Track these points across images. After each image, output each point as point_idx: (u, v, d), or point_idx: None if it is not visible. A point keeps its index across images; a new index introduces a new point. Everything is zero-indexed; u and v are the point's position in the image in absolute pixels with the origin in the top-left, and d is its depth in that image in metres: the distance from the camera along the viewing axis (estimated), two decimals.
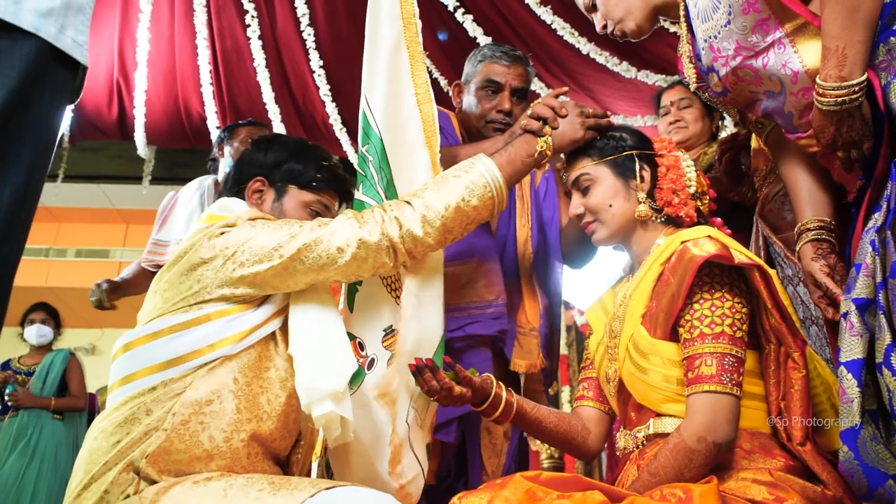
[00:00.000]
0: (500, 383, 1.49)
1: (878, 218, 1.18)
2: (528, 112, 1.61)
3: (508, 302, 1.84)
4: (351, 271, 1.35)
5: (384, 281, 1.53)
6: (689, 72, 1.53)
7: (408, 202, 1.39)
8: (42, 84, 0.96)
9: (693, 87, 1.54)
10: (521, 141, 1.54)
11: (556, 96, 1.62)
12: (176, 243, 2.55)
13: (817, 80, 1.24)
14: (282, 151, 1.53)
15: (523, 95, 1.93)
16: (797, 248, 1.49)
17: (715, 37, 1.41)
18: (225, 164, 2.78)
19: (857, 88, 1.21)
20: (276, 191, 1.51)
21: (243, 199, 1.52)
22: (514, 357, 1.82)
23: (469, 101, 1.97)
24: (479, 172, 1.43)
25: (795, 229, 1.51)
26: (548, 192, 1.97)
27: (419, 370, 1.37)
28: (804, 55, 1.31)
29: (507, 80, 1.91)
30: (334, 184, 1.54)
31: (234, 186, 1.53)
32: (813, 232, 1.46)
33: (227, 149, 2.78)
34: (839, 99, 1.21)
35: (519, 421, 1.50)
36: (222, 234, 1.34)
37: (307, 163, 1.52)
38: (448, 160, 1.59)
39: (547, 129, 1.54)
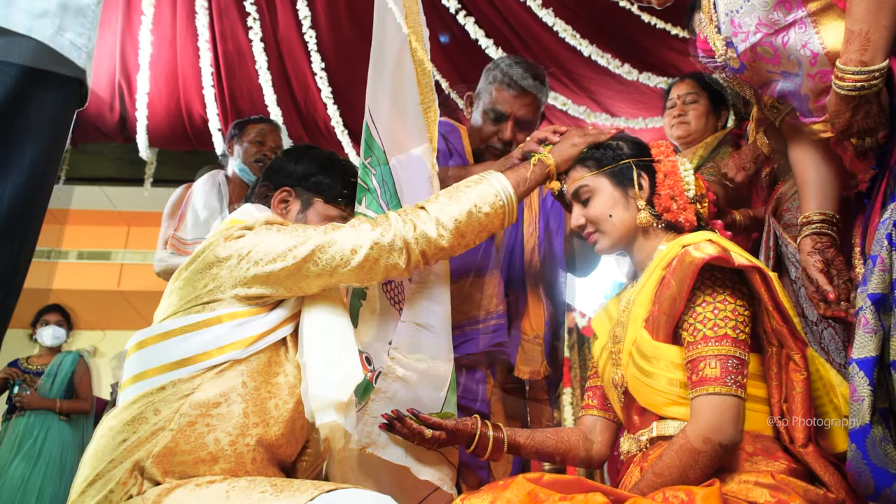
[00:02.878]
0: (486, 422, 1.49)
1: (893, 209, 1.16)
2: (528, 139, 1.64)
3: (514, 310, 1.82)
4: (363, 273, 1.35)
5: (387, 294, 1.53)
6: (716, 41, 1.51)
7: (421, 207, 1.42)
8: (45, 85, 0.96)
9: (719, 56, 1.51)
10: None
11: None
12: (193, 242, 2.53)
13: (837, 63, 1.22)
14: (312, 164, 1.54)
15: (529, 125, 1.89)
16: (798, 240, 1.48)
17: (737, 11, 1.39)
18: (233, 163, 2.74)
19: (877, 74, 1.18)
20: (301, 202, 1.51)
21: (269, 206, 1.52)
22: (518, 363, 1.81)
23: (476, 117, 1.96)
24: (490, 182, 1.46)
25: (799, 220, 1.50)
26: (556, 201, 1.97)
27: (389, 425, 1.41)
28: (825, 36, 1.29)
29: (512, 110, 1.87)
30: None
31: (262, 193, 1.54)
32: (815, 225, 1.45)
33: (236, 147, 2.74)
34: (858, 84, 1.19)
35: (515, 453, 1.51)
36: (240, 236, 1.35)
37: (335, 177, 1.53)
38: (442, 180, 1.60)
39: (547, 148, 1.58)
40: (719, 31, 1.48)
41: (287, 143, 4.35)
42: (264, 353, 1.32)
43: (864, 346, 1.13)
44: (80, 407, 4.34)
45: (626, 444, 1.40)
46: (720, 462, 1.20)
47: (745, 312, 1.27)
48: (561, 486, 1.10)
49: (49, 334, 4.43)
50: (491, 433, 1.47)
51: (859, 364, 1.13)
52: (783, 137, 1.61)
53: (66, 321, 4.55)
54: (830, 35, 1.28)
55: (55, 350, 4.51)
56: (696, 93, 2.39)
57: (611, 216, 1.45)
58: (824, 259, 1.41)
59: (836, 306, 1.38)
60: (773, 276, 1.28)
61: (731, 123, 2.50)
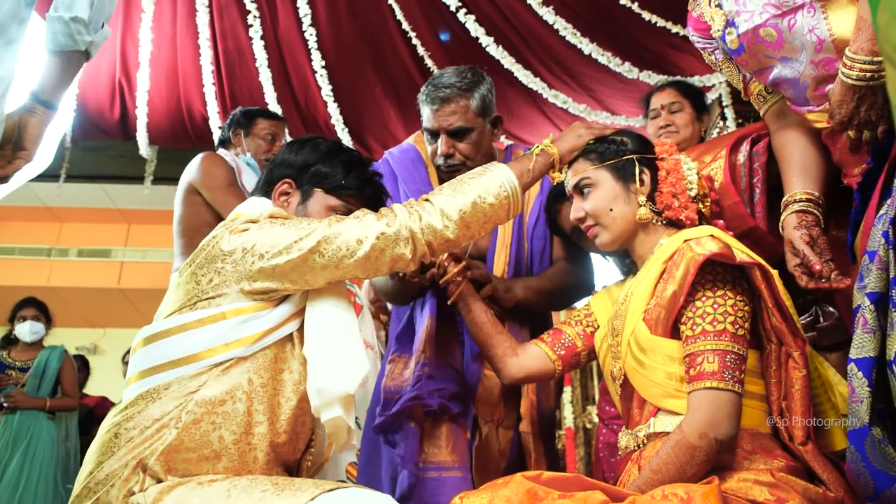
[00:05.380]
0: (461, 263, 1.68)
1: (890, 205, 1.13)
2: None
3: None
4: (369, 264, 1.34)
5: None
6: (714, 17, 1.47)
7: (426, 199, 1.41)
8: None
9: (716, 32, 1.48)
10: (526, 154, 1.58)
11: None
12: None
13: (847, 51, 1.20)
14: (311, 154, 1.51)
15: (465, 132, 1.80)
16: (781, 219, 1.46)
17: None
18: (241, 156, 2.67)
19: None
20: (302, 193, 1.49)
21: (271, 199, 1.50)
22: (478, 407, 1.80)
23: None
24: (493, 174, 1.45)
25: (783, 200, 1.48)
26: (539, 220, 1.92)
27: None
28: (834, 23, 1.26)
29: (438, 125, 1.80)
30: (362, 190, 1.51)
31: (264, 187, 1.52)
32: (800, 203, 1.44)
33: (244, 139, 2.67)
34: (867, 74, 1.17)
35: (460, 307, 1.68)
36: (244, 230, 1.34)
37: (335, 167, 1.49)
38: None
39: (549, 138, 1.59)
40: (720, 7, 1.45)
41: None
42: (270, 350, 1.31)
43: (862, 345, 1.11)
44: (68, 404, 4.37)
45: (624, 439, 1.40)
46: (717, 458, 1.20)
47: (745, 308, 1.27)
48: (560, 484, 1.10)
49: (27, 330, 4.38)
50: (451, 267, 1.66)
51: (858, 364, 1.11)
52: None
53: (44, 315, 4.49)
54: (839, 22, 1.25)
55: (36, 345, 4.47)
56: (680, 101, 2.35)
57: (611, 210, 1.45)
58: (810, 235, 1.40)
59: (819, 281, 1.36)
60: (774, 272, 1.28)
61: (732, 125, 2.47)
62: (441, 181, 1.93)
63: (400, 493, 1.69)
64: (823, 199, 1.46)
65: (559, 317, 2.45)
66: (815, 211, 1.43)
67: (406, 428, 1.74)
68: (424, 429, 1.75)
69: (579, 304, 1.71)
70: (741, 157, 1.74)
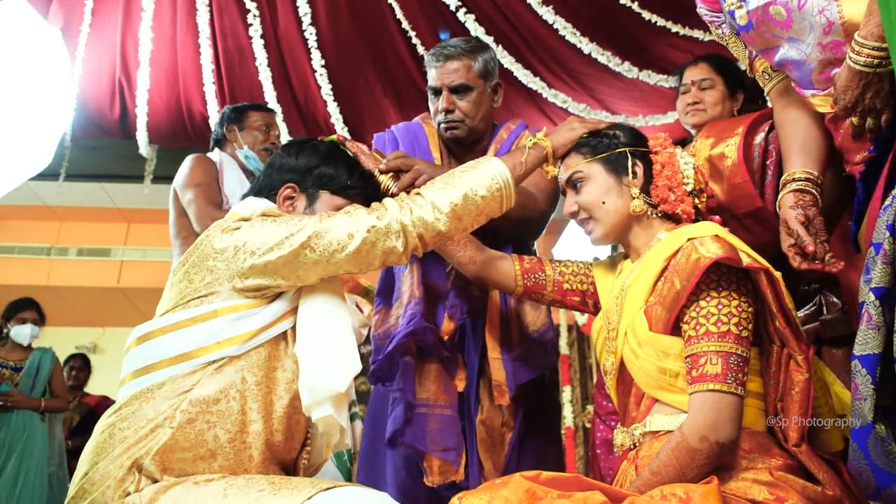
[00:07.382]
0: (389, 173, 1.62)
1: (895, 196, 1.12)
2: None
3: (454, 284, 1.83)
4: (361, 258, 1.34)
5: None
6: None
7: (418, 193, 1.41)
8: None
9: (729, 5, 1.45)
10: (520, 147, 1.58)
11: None
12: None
13: (856, 36, 1.18)
14: (312, 156, 1.51)
15: (465, 89, 1.88)
16: (779, 198, 1.44)
17: None
18: (238, 151, 2.71)
19: None
20: (307, 196, 1.49)
21: (274, 202, 1.50)
22: (444, 325, 1.82)
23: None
24: (485, 167, 1.45)
25: (781, 179, 1.46)
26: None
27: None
28: (845, 5, 1.24)
29: (441, 82, 1.89)
30: (366, 189, 1.52)
31: (265, 191, 1.52)
32: (799, 182, 1.42)
33: (238, 134, 2.73)
34: (875, 60, 1.14)
35: None
36: (236, 228, 1.34)
37: (339, 167, 1.50)
38: None
39: (543, 132, 1.58)
40: None
41: (286, 139, 4.35)
42: (264, 348, 1.31)
43: (867, 342, 1.10)
44: (60, 405, 4.40)
45: (620, 437, 1.40)
46: (718, 460, 1.19)
47: (749, 309, 1.26)
48: (559, 484, 1.10)
49: (27, 333, 4.37)
50: (384, 175, 1.61)
51: (862, 361, 1.09)
52: None
53: (41, 318, 4.50)
54: (851, 5, 1.23)
55: (27, 345, 4.47)
56: (712, 77, 2.24)
57: (604, 203, 1.45)
58: (806, 215, 1.38)
59: (813, 262, 1.34)
60: (778, 276, 1.27)
61: None
62: (441, 147, 1.97)
63: (395, 428, 1.71)
64: (823, 180, 1.43)
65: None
66: (813, 190, 1.41)
67: (401, 363, 1.76)
68: (417, 367, 1.78)
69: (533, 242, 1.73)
70: (758, 137, 1.71)
